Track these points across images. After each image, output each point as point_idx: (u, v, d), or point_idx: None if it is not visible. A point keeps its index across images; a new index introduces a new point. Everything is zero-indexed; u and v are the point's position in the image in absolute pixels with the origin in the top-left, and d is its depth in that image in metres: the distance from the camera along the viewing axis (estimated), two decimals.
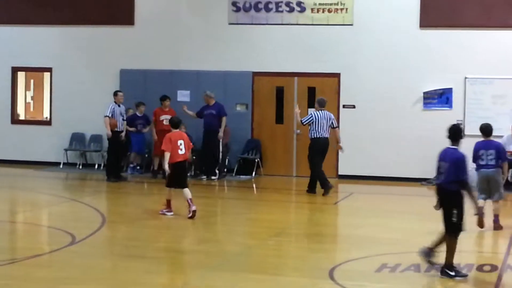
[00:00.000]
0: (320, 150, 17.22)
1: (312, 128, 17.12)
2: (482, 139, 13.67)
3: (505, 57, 19.06)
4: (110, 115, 18.48)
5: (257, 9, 20.34)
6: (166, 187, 14.40)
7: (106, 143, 19.38)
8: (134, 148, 20.01)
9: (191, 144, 14.75)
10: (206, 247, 11.86)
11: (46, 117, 22.12)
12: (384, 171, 19.62)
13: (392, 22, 19.64)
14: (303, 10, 20.08)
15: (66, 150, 21.22)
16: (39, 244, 12.27)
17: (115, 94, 19.01)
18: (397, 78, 19.60)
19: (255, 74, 20.43)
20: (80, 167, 21.07)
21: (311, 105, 19.69)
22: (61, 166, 21.07)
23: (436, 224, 14.15)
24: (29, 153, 21.65)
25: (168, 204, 14.35)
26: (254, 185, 19.15)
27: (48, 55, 21.63)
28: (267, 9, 20.28)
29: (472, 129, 19.00)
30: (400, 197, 17.72)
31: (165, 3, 20.97)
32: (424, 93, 19.46)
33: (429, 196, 17.48)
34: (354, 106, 19.88)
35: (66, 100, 21.46)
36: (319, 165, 17.18)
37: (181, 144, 14.06)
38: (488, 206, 13.78)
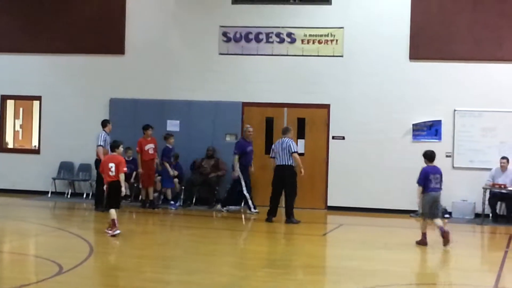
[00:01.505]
0: (276, 177, 17.64)
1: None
2: (425, 165, 15.19)
3: (494, 90, 19.14)
4: (103, 144, 18.41)
5: (248, 40, 20.40)
6: (107, 209, 15.32)
7: (94, 172, 19.28)
8: (166, 183, 19.77)
9: (125, 168, 15.47)
10: (195, 278, 11.77)
11: (35, 146, 22.05)
12: (373, 202, 19.59)
13: (382, 54, 19.72)
14: (293, 41, 20.14)
15: (54, 179, 21.12)
16: (26, 274, 12.13)
17: (109, 122, 18.95)
18: (387, 110, 19.64)
19: (245, 104, 20.44)
20: (69, 196, 20.98)
21: (300, 136, 19.73)
22: (49, 195, 20.97)
23: (424, 256, 14.17)
24: (18, 181, 21.52)
25: (113, 224, 15.04)
26: (243, 216, 19.07)
27: (38, 83, 21.60)
28: (258, 40, 20.34)
29: (461, 162, 19.16)
30: (389, 229, 17.67)
31: (156, 32, 21.01)
32: (414, 125, 19.50)
33: (418, 228, 17.46)
34: (343, 138, 19.89)
35: (55, 129, 21.41)
36: (273, 192, 17.73)
37: (111, 166, 15.17)
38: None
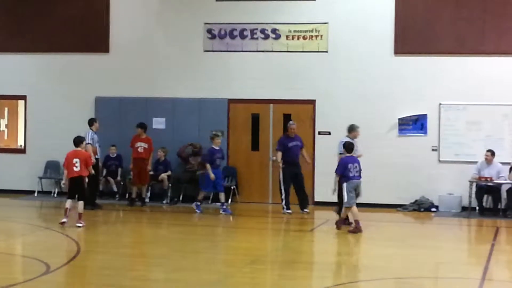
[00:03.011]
0: None
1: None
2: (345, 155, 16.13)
3: (478, 84, 19.21)
4: (91, 142, 18.41)
5: (232, 36, 20.39)
6: (67, 198, 16.03)
7: None
8: (207, 187, 18.39)
9: (90, 161, 16.13)
10: (182, 276, 11.77)
11: (21, 145, 21.97)
12: (359, 197, 19.60)
13: (367, 49, 19.75)
14: (278, 37, 20.15)
15: (40, 178, 21.07)
16: (13, 274, 12.11)
17: (95, 121, 18.92)
18: (372, 105, 19.68)
19: (231, 101, 20.44)
20: (55, 195, 20.91)
21: (286, 131, 19.70)
22: (35, 194, 20.92)
23: (411, 250, 14.21)
24: (3, 181, 21.43)
25: (65, 212, 15.77)
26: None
27: (23, 83, 21.54)
28: (242, 36, 20.33)
29: (447, 155, 19.24)
30: (376, 224, 17.69)
31: (140, 30, 20.97)
32: (399, 119, 19.55)
33: (405, 222, 17.55)
34: (329, 133, 19.90)
35: (41, 128, 21.34)
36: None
37: (76, 162, 15.75)
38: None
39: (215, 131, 18.66)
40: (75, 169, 15.75)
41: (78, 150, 15.99)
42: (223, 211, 18.21)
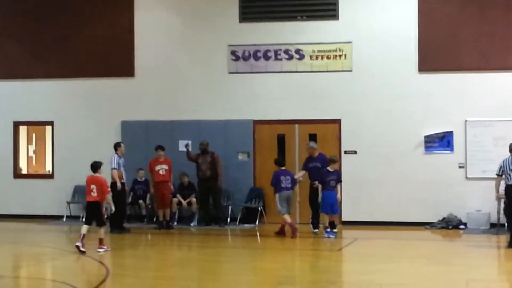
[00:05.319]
0: (508, 198, 16.37)
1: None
2: (278, 168, 18.13)
3: (504, 99, 19.14)
4: (116, 167, 18.52)
5: (256, 58, 20.48)
6: (83, 224, 16.16)
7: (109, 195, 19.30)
8: (324, 208, 17.80)
9: (107, 189, 16.07)
10: None
11: (49, 171, 22.15)
12: (387, 216, 19.57)
13: (390, 67, 19.76)
14: (302, 57, 20.21)
15: (69, 203, 21.20)
16: None
17: (119, 145, 19.02)
18: (398, 123, 19.66)
19: (256, 122, 20.50)
20: (83, 219, 20.97)
21: None
22: (64, 219, 21.05)
23: (441, 268, 14.13)
24: (32, 207, 21.64)
25: (81, 238, 15.69)
26: (257, 234, 19.09)
27: (49, 108, 21.74)
28: (266, 58, 20.41)
29: (474, 172, 19.15)
30: (405, 242, 17.63)
31: (165, 54, 21.11)
32: (425, 137, 19.50)
33: (434, 240, 17.46)
34: (355, 152, 19.90)
35: (68, 153, 21.51)
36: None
37: (93, 188, 15.84)
38: None
39: (332, 156, 18.35)
40: (92, 194, 15.83)
41: (96, 176, 16.03)
42: (328, 234, 17.70)
